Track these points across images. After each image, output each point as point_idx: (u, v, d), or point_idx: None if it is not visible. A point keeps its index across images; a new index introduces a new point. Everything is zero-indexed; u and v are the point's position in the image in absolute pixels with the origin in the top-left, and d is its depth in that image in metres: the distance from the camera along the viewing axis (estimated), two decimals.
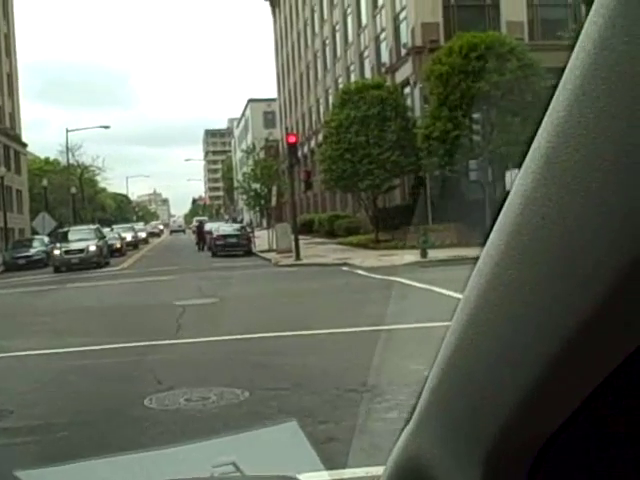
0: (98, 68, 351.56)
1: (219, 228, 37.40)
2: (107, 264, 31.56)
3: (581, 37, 0.47)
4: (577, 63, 0.47)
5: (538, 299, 0.52)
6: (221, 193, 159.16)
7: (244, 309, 13.63)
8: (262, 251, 33.66)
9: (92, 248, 30.71)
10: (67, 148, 67.91)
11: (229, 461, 1.21)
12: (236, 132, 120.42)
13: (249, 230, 38.77)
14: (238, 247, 33.87)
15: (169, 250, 44.20)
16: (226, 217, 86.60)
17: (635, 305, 0.46)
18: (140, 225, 67.37)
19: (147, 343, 10.12)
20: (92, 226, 37.77)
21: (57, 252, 30.76)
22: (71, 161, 71.56)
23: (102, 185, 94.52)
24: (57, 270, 29.61)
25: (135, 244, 46.59)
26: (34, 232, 42.91)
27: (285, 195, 38.94)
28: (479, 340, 0.62)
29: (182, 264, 28.23)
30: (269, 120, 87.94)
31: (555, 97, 0.50)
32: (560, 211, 0.48)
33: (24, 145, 70.46)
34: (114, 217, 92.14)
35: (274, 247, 32.63)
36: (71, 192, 62.01)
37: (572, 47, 0.46)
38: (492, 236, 0.58)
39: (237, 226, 39.97)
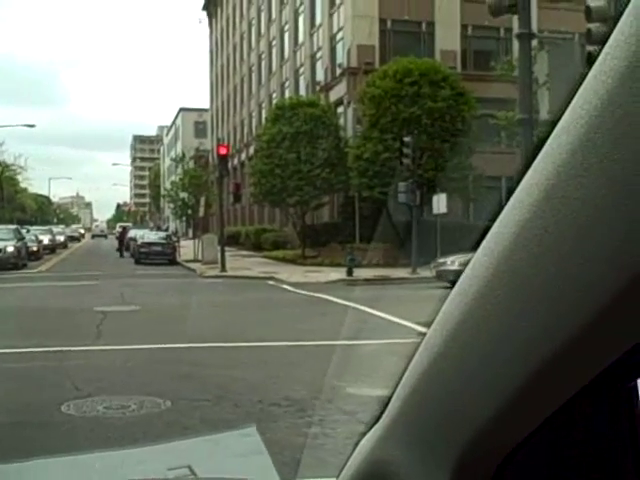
0: (24, 63, 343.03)
1: (144, 235, 36.83)
2: (24, 266, 30.47)
3: (583, 90, 0.54)
4: (582, 113, 0.53)
5: (524, 319, 0.58)
6: (147, 200, 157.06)
7: (167, 318, 13.45)
8: (187, 261, 33.35)
9: (10, 249, 29.36)
10: None
11: (184, 464, 1.21)
12: (166, 140, 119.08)
13: (175, 239, 38.38)
14: (163, 255, 33.48)
15: (90, 255, 43.29)
16: (151, 225, 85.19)
17: (626, 323, 0.52)
18: (59, 228, 64.34)
19: (65, 348, 9.90)
20: (11, 226, 36.20)
21: None
22: None
23: (23, 185, 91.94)
24: None
25: (53, 248, 44.44)
26: None
27: (213, 206, 38.68)
28: (460, 353, 0.68)
29: (104, 270, 27.69)
30: (200, 130, 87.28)
31: (554, 138, 0.56)
32: (556, 240, 0.54)
33: None
34: (34, 218, 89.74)
35: (199, 257, 32.43)
36: None
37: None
38: (479, 258, 0.64)
39: (162, 234, 39.43)
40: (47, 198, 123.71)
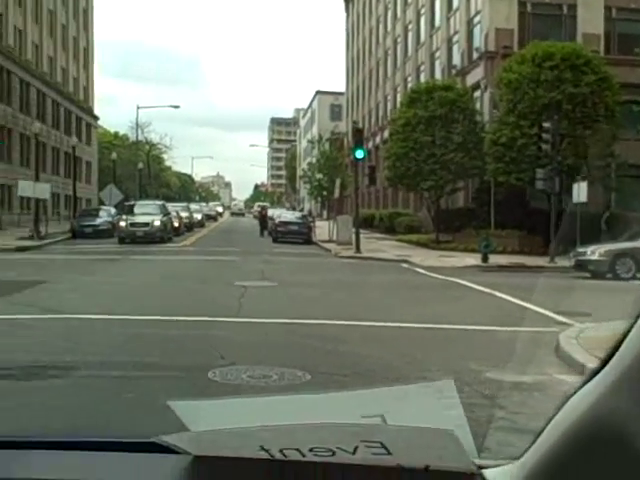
0: (170, 50, 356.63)
1: (281, 215, 37.77)
2: (170, 240, 31.99)
3: None
4: None
5: None
6: (283, 181, 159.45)
7: (304, 295, 13.82)
8: (322, 241, 33.86)
9: (157, 223, 31.09)
10: (137, 124, 69.15)
11: (378, 412, 1.24)
12: (302, 122, 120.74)
13: (310, 219, 38.99)
14: (299, 235, 34.10)
15: (230, 232, 44.52)
16: (287, 205, 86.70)
17: None
18: (197, 205, 60.89)
19: (210, 319, 10.26)
20: (158, 202, 38.01)
21: (123, 224, 31.16)
22: (140, 137, 72.81)
23: (168, 163, 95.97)
24: (122, 241, 30.05)
25: (190, 225, 43.64)
26: (101, 203, 43.78)
27: (348, 188, 39.07)
28: None
29: (243, 246, 28.65)
30: (335, 113, 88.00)
31: None
32: None
33: (96, 118, 71.95)
34: (178, 195, 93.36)
35: (334, 238, 32.79)
36: (138, 167, 63.06)
37: None
38: None
39: (299, 214, 40.28)
40: (190, 176, 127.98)
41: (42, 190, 32.08)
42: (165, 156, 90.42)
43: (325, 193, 43.46)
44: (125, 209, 34.52)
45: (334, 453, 1.22)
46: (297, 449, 1.23)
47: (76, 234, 33.60)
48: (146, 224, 30.64)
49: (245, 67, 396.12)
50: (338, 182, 36.82)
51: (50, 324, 9.86)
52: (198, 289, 14.60)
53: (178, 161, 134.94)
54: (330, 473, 1.24)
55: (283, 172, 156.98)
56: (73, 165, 44.84)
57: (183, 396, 1.41)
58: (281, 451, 1.24)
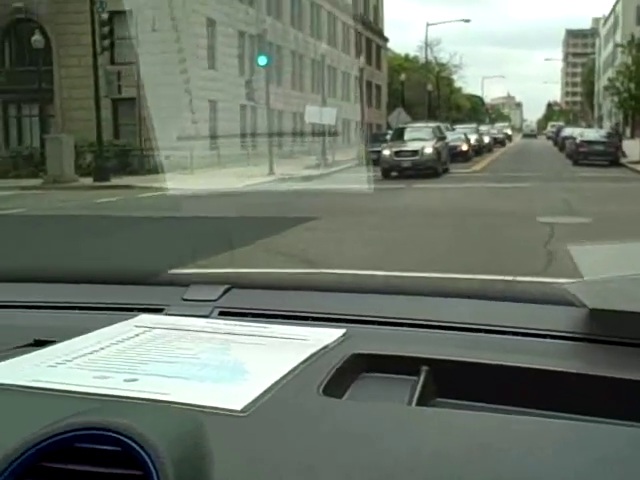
0: None
1: (583, 133, 33.92)
2: (446, 171, 26.60)
3: None
4: None
5: None
6: (578, 98, 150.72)
7: (630, 234, 10.68)
8: (632, 162, 29.56)
9: (428, 150, 25.27)
10: (426, 42, 67.24)
11: None
12: (602, 31, 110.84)
13: (617, 138, 34.61)
14: (604, 156, 30.24)
15: (522, 154, 41.30)
16: (583, 124, 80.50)
17: None
18: (484, 127, 56.67)
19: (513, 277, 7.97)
20: (432, 124, 32.27)
21: (387, 152, 25.55)
22: (429, 57, 70.97)
23: (458, 85, 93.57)
24: (386, 174, 24.76)
25: (479, 149, 40.07)
26: (389, 127, 42.78)
27: None
28: None
29: (539, 171, 25.51)
30: None
31: None
32: None
33: (386, 40, 71.13)
34: (468, 118, 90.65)
35: None
36: (427, 89, 61.48)
37: None
38: None
39: (604, 132, 35.83)
40: (480, 98, 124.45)
41: (329, 115, 31.42)
42: (455, 77, 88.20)
43: (634, 104, 38.22)
44: (394, 134, 29.66)
45: None
46: None
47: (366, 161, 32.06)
48: (414, 152, 25.06)
49: None
50: None
51: None
52: (490, 228, 11.77)
53: (468, 81, 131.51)
54: None
55: (579, 89, 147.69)
56: (361, 87, 44.18)
57: None
58: None
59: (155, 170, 28.17)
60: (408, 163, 24.94)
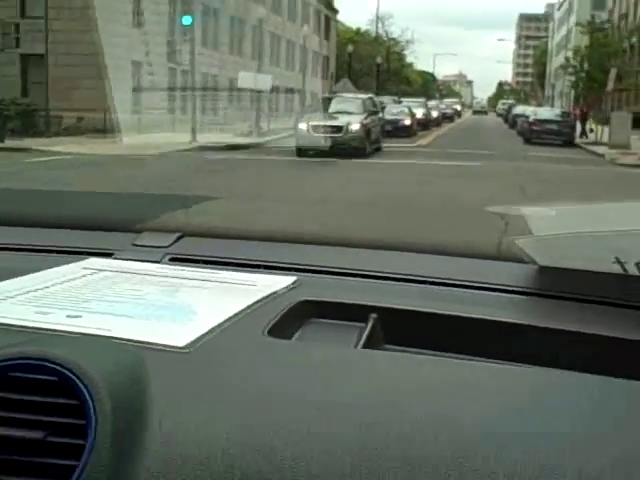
0: None
1: (536, 112, 32.58)
2: (378, 150, 21.68)
3: None
4: None
5: None
6: (529, 79, 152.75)
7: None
8: (586, 143, 28.14)
9: (354, 127, 20.39)
10: (377, 15, 65.91)
11: None
12: (557, 14, 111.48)
13: (571, 117, 33.14)
14: (559, 135, 28.82)
15: (472, 130, 39.42)
16: (533, 103, 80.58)
17: None
18: (433, 102, 54.50)
19: None
20: (361, 95, 27.57)
21: (303, 126, 20.52)
22: (380, 31, 69.39)
23: (409, 60, 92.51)
24: (300, 153, 19.53)
25: (425, 123, 37.22)
26: None
27: (623, 81, 32.49)
28: None
29: (490, 149, 23.38)
30: (598, 1, 78.20)
31: None
32: None
33: (335, 11, 69.23)
34: (420, 93, 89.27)
35: (601, 140, 27.15)
36: (376, 62, 60.08)
37: None
38: None
39: (558, 111, 34.73)
40: (432, 74, 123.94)
41: (263, 81, 29.01)
42: (407, 52, 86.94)
43: (596, 86, 36.99)
44: (322, 104, 25.35)
45: None
46: None
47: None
48: (338, 128, 20.16)
49: None
50: (613, 72, 30.49)
51: None
52: (438, 212, 9.60)
53: (422, 58, 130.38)
54: None
55: (530, 70, 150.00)
56: (303, 56, 42.03)
57: None
58: (638, 265, 1.23)
59: (65, 133, 25.45)
60: (329, 141, 19.73)
